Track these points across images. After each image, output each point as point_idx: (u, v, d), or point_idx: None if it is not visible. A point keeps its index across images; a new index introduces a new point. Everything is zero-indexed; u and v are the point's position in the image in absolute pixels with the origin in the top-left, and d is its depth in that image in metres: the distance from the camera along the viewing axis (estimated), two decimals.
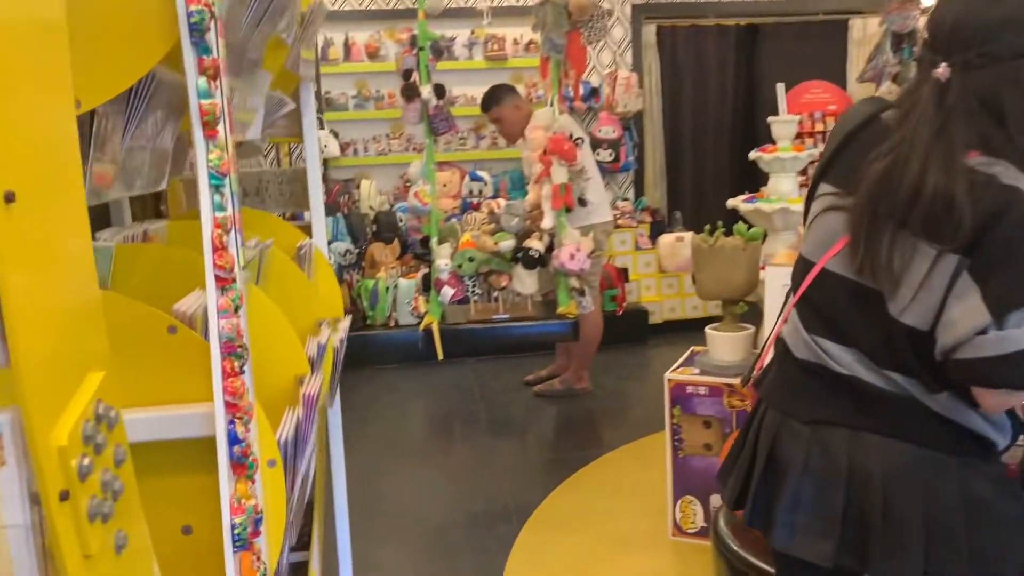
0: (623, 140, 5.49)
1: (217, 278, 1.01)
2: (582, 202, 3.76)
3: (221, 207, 1.03)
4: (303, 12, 1.93)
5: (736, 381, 2.68)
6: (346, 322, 2.37)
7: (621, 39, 5.88)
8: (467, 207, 5.56)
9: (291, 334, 1.52)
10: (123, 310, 1.09)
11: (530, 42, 5.79)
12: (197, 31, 0.97)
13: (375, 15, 5.58)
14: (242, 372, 1.06)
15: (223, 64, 1.03)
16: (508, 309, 3.71)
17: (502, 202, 5.31)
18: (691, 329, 5.45)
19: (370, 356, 4.94)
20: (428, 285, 3.76)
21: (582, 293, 3.62)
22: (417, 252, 5.03)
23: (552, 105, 3.65)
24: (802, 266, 1.44)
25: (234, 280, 1.04)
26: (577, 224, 3.75)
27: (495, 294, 3.70)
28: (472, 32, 5.75)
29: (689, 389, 2.71)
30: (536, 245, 3.59)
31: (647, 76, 5.94)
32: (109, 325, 1.10)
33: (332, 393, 2.01)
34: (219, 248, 1.01)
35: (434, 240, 3.64)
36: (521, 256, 3.57)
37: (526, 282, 3.58)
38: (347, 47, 5.61)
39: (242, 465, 1.04)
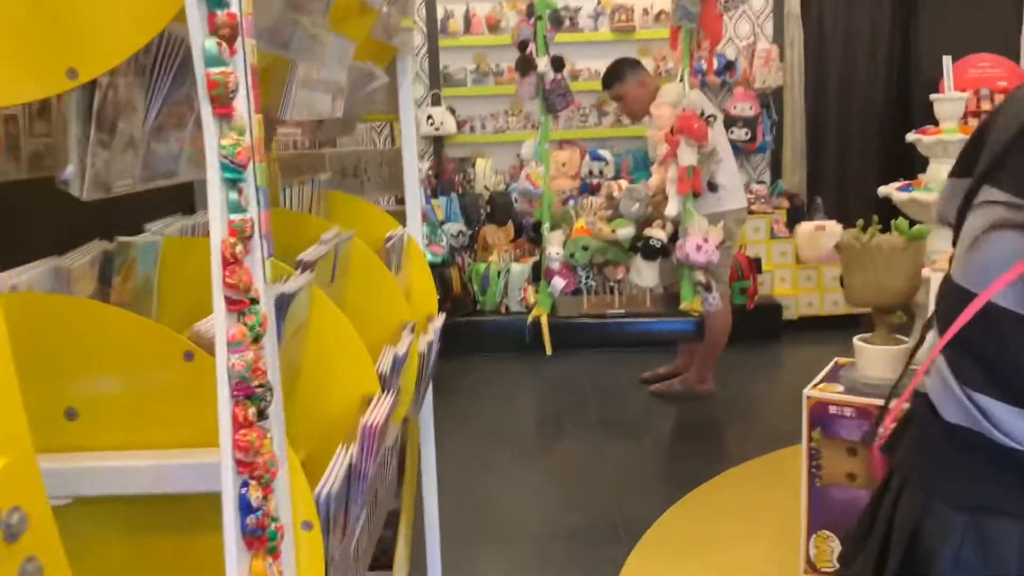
0: (760, 118, 5.04)
1: (228, 300, 0.78)
2: (712, 187, 3.40)
3: (239, 208, 0.79)
4: None
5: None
6: (439, 321, 2.14)
7: (761, 9, 5.39)
8: (587, 188, 5.26)
9: (359, 348, 1.29)
10: (127, 329, 0.88)
11: (660, 12, 5.39)
12: None
13: None
14: (262, 419, 0.83)
15: (248, 22, 0.79)
16: (625, 303, 3.41)
17: (624, 183, 5.01)
18: (830, 328, 4.98)
19: (478, 343, 4.75)
20: (538, 274, 3.50)
21: (709, 288, 3.28)
22: (531, 235, 4.79)
23: (682, 80, 3.30)
24: (956, 297, 1.06)
25: (254, 301, 0.81)
26: (706, 211, 3.40)
27: (611, 286, 3.41)
28: (598, 2, 5.41)
29: (832, 409, 2.34)
30: (658, 234, 3.27)
31: (788, 49, 5.42)
32: (110, 345, 0.90)
33: (418, 403, 1.80)
34: (231, 262, 0.77)
35: (546, 226, 3.38)
36: (641, 246, 3.25)
37: (645, 274, 3.27)
38: (467, 19, 5.39)
39: (259, 538, 0.81)
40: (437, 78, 5.43)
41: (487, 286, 4.81)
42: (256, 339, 0.82)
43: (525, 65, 3.25)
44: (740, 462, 3.32)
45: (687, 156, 3.19)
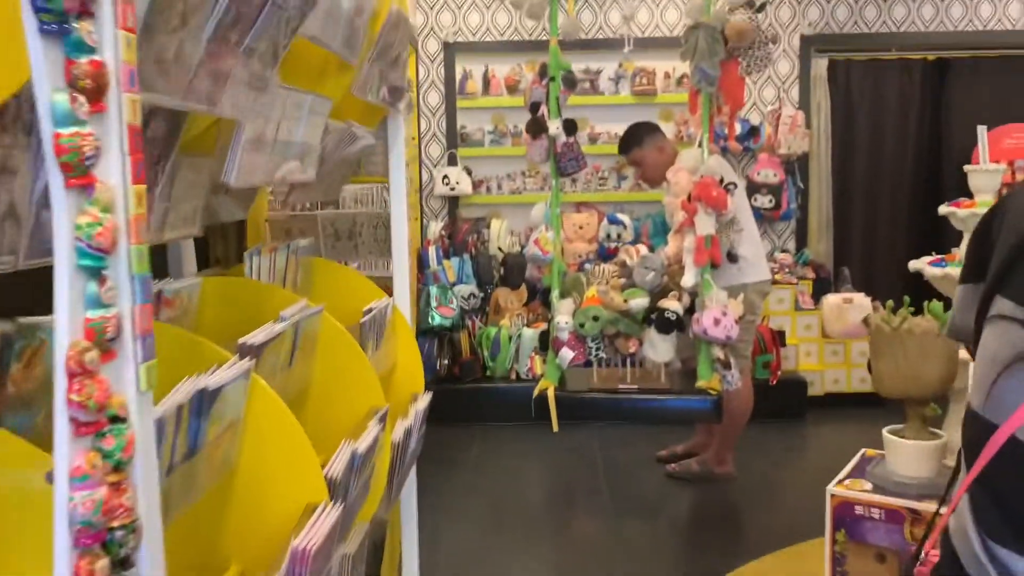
0: (785, 185, 4.87)
1: (74, 422, 0.61)
2: (732, 257, 3.22)
3: (99, 303, 0.63)
4: (375, 31, 1.56)
5: (921, 505, 2.06)
6: (424, 401, 1.97)
7: (787, 73, 5.28)
8: (604, 252, 5.11)
9: (303, 447, 1.12)
10: None
11: (683, 76, 5.29)
12: (50, 13, 0.59)
13: (517, 47, 5.28)
14: (122, 568, 0.65)
15: (127, 72, 0.64)
16: (637, 378, 3.21)
17: (641, 249, 4.84)
18: (858, 406, 4.73)
19: (486, 411, 4.55)
20: (546, 343, 3.32)
21: (728, 366, 3.07)
22: (546, 300, 4.63)
23: (701, 145, 3.16)
24: (977, 428, 0.91)
25: (116, 420, 0.64)
26: (725, 283, 3.22)
27: (623, 359, 3.22)
28: (619, 65, 5.34)
29: (859, 510, 2.11)
30: (674, 306, 3.08)
31: (815, 115, 5.29)
32: None
33: (391, 499, 1.61)
34: (79, 372, 0.61)
35: (555, 294, 3.21)
36: (655, 318, 3.07)
37: (660, 349, 3.08)
38: (486, 80, 5.33)
39: None
40: (454, 138, 5.35)
41: (497, 351, 4.63)
42: (118, 467, 0.65)
43: (536, 127, 3.13)
44: (759, 555, 3.07)
45: (705, 224, 3.02)
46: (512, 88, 5.32)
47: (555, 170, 3.21)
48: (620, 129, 5.39)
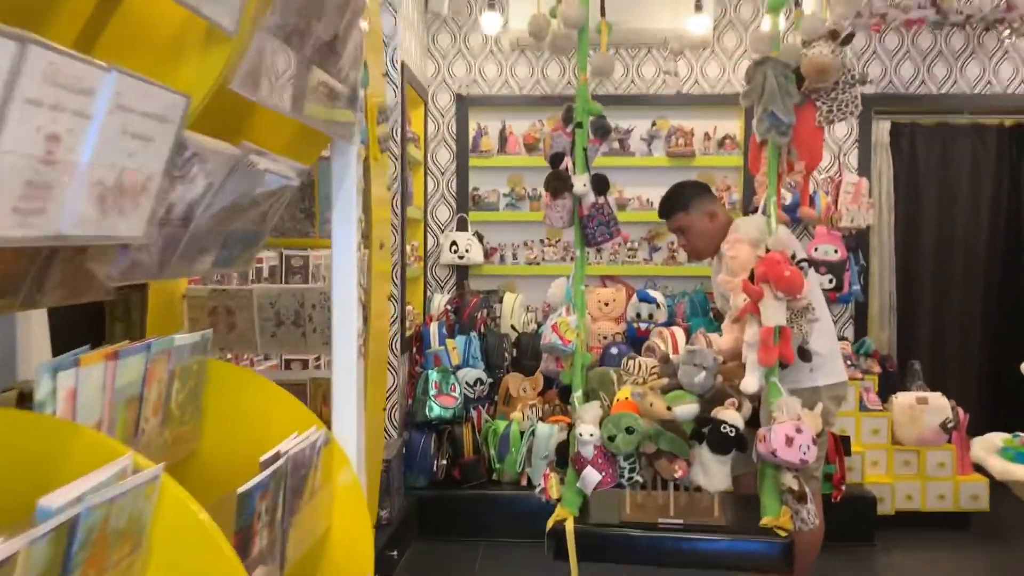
0: (848, 264, 4.18)
1: None
2: (804, 354, 2.51)
3: None
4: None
5: None
6: None
7: (844, 136, 4.65)
8: (632, 334, 4.42)
9: None
10: None
11: (725, 138, 4.68)
12: None
13: (537, 101, 4.71)
14: None
15: None
16: (682, 508, 2.48)
17: (677, 333, 4.15)
18: (935, 527, 3.94)
19: (492, 524, 3.81)
20: (564, 459, 2.61)
21: (803, 498, 2.34)
22: (565, 395, 3.92)
23: (767, 212, 2.50)
24: None
25: None
26: (792, 384, 2.51)
27: (662, 482, 2.50)
28: (653, 123, 4.74)
29: None
30: (732, 417, 2.37)
31: (876, 184, 4.64)
32: None
33: None
34: None
35: (577, 395, 2.52)
36: (709, 434, 2.37)
37: (714, 474, 2.35)
38: (502, 137, 4.74)
39: None
40: (465, 200, 4.74)
41: (506, 450, 3.91)
42: None
43: (557, 184, 2.49)
44: None
45: (774, 313, 2.34)
46: (531, 147, 4.72)
47: (580, 238, 2.55)
48: (653, 194, 4.78)
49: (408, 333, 4.07)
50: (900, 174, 4.74)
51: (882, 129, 4.67)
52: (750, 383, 2.39)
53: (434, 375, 3.94)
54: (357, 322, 1.30)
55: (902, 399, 4.02)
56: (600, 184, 2.47)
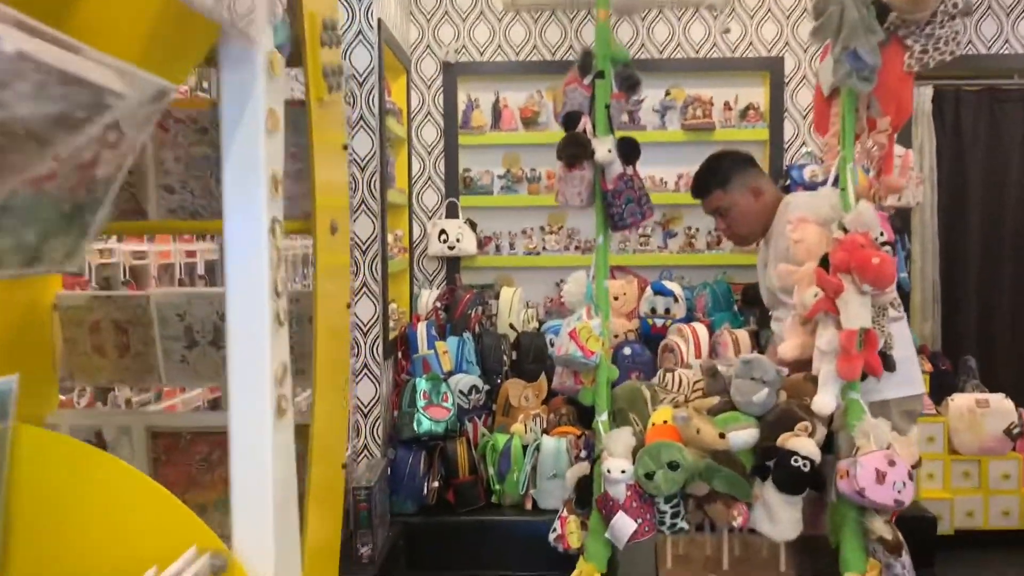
0: (895, 248, 3.65)
1: None
2: (888, 362, 2.00)
3: None
4: None
5: None
6: None
7: None
8: (646, 330, 3.89)
9: None
10: None
11: (748, 108, 4.15)
12: None
13: (536, 69, 4.16)
14: None
15: None
16: (738, 561, 1.97)
17: (698, 330, 3.66)
18: (1001, 547, 3.44)
19: (492, 555, 3.27)
20: (586, 498, 2.08)
21: (896, 548, 1.83)
22: (584, 414, 3.40)
23: (838, 184, 1.98)
24: None
25: None
26: (866, 398, 2.00)
27: (711, 524, 1.99)
28: (666, 93, 4.20)
29: None
30: (804, 447, 1.85)
31: (917, 157, 4.11)
32: None
33: None
34: None
35: (602, 419, 1.99)
36: (776, 468, 1.85)
37: (783, 519, 1.83)
38: (496, 111, 4.20)
39: None
40: (455, 183, 4.19)
41: (507, 469, 3.38)
42: None
43: (574, 150, 1.95)
44: None
45: (857, 311, 1.81)
46: (529, 121, 4.18)
47: (603, 220, 2.02)
48: (666, 174, 4.26)
49: (392, 335, 3.53)
50: (943, 147, 4.22)
51: (924, 96, 4.15)
52: (825, 402, 1.87)
53: (423, 383, 3.40)
54: (268, 360, 0.77)
55: (959, 402, 3.51)
56: (629, 150, 1.95)
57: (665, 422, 1.94)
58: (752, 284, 4.01)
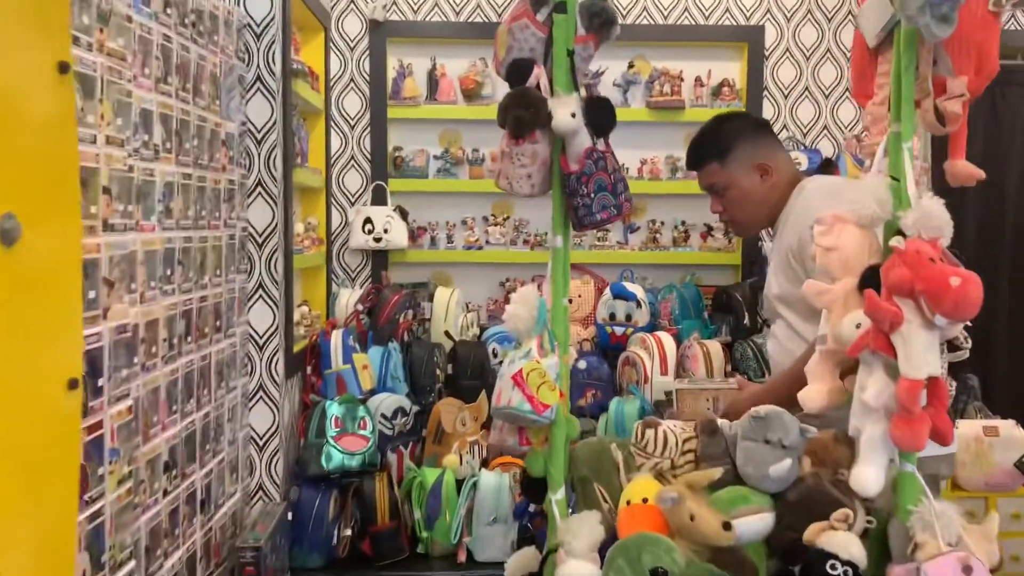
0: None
1: None
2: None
3: None
4: None
5: None
6: None
7: None
8: (604, 340, 3.35)
9: None
10: None
11: (723, 84, 3.62)
12: None
13: (480, 31, 3.55)
14: None
15: None
16: None
17: (664, 340, 3.15)
18: None
19: None
20: None
21: None
22: (534, 489, 2.81)
23: (896, 167, 1.43)
24: None
25: None
26: (929, 469, 1.46)
27: None
28: (629, 65, 3.64)
29: None
30: (844, 546, 1.29)
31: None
32: None
33: None
34: None
35: (556, 498, 1.42)
36: (806, 569, 1.30)
37: None
38: (431, 80, 3.58)
39: None
40: (382, 164, 3.57)
41: (437, 511, 2.78)
42: None
43: (521, 112, 1.36)
44: None
45: (924, 354, 1.27)
46: (472, 93, 3.57)
47: (562, 214, 1.44)
48: (628, 158, 3.68)
49: (298, 347, 2.91)
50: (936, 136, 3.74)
51: None
52: (871, 478, 1.33)
53: (334, 408, 2.79)
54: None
55: (964, 430, 3.04)
56: (601, 115, 1.37)
57: (646, 501, 1.38)
58: (726, 287, 3.50)
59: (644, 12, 3.63)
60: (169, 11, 1.98)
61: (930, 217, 1.30)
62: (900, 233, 1.34)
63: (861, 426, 1.36)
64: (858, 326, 1.35)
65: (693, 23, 3.62)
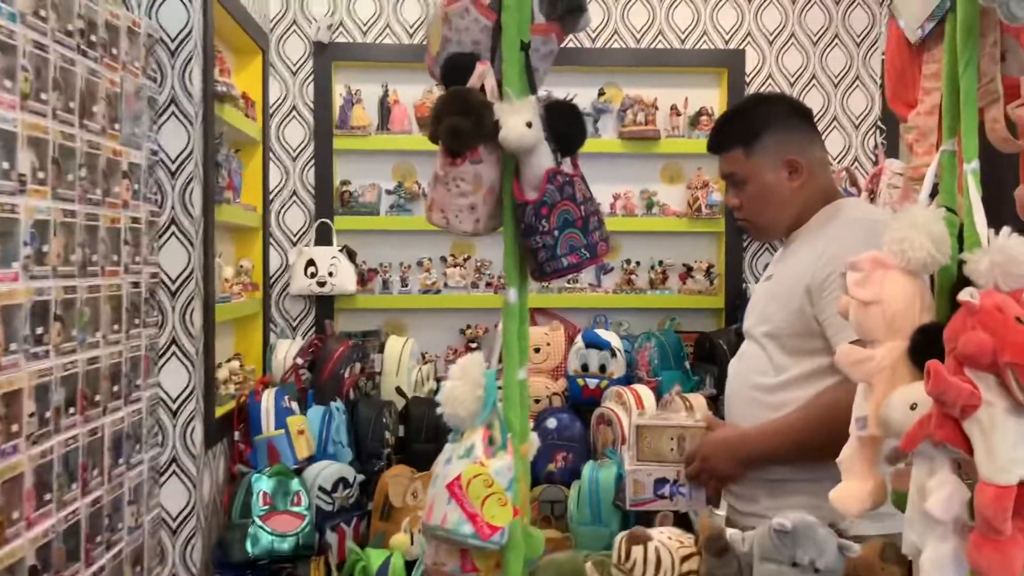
0: None
1: None
2: None
3: None
4: None
5: None
6: None
7: (863, 111, 3.38)
8: (576, 394, 2.98)
9: None
10: None
11: (701, 113, 3.33)
12: None
13: None
14: None
15: None
16: None
17: (642, 393, 2.83)
18: None
19: None
20: None
21: None
22: None
23: (949, 195, 1.10)
24: None
25: None
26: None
27: None
28: (600, 93, 3.34)
29: None
30: None
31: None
32: None
33: None
34: None
35: None
36: None
37: None
38: (383, 108, 3.25)
39: None
40: (328, 200, 3.22)
41: None
42: None
43: (459, 122, 1.02)
44: None
45: (1011, 449, 0.92)
46: (427, 123, 3.23)
47: (516, 258, 1.08)
48: (598, 192, 3.32)
49: (224, 410, 2.52)
50: None
51: None
52: None
53: (263, 482, 2.39)
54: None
55: None
56: (566, 126, 1.04)
57: None
58: (708, 333, 3.17)
59: (615, 35, 3.34)
60: (44, 13, 1.62)
61: (1012, 262, 0.96)
62: (965, 281, 1.01)
63: (921, 543, 1.01)
64: (913, 407, 1.01)
65: (668, 47, 3.34)
